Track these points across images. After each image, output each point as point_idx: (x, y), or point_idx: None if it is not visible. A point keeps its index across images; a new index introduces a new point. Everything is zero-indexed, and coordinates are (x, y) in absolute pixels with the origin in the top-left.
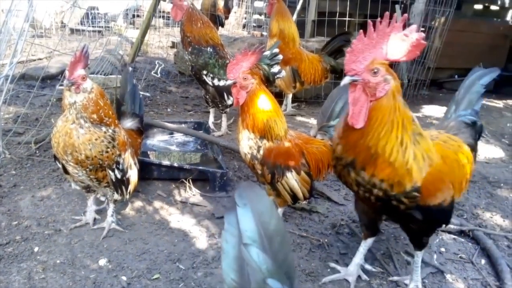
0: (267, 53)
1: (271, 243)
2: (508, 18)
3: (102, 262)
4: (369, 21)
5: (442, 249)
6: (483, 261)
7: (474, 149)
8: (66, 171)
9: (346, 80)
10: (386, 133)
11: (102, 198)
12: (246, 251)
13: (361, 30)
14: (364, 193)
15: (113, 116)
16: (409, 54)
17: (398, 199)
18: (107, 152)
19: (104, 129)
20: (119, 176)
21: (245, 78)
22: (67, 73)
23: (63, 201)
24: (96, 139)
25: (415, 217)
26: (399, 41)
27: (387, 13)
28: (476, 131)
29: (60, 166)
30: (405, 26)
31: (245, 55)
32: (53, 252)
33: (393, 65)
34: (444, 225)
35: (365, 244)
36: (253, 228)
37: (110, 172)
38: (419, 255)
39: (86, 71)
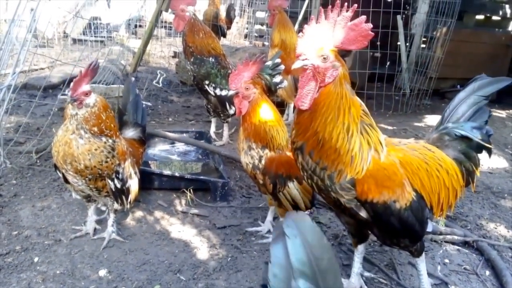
0: (269, 63)
1: (324, 280)
2: (510, 28)
3: (102, 272)
4: (320, 8)
5: (446, 260)
6: (487, 273)
7: (464, 165)
8: (66, 180)
9: (296, 64)
10: (333, 119)
11: (103, 208)
12: (299, 286)
13: (313, 17)
14: (307, 179)
15: (114, 128)
16: (357, 43)
17: (335, 191)
18: (106, 162)
19: (104, 139)
20: (118, 185)
21: (247, 88)
22: (71, 89)
23: (64, 211)
24: (95, 149)
25: (361, 216)
26: (348, 30)
27: (338, 2)
28: (470, 146)
29: (60, 175)
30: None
31: (246, 65)
32: (53, 263)
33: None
34: (410, 236)
35: (358, 252)
36: (306, 262)
37: (110, 181)
38: (418, 263)
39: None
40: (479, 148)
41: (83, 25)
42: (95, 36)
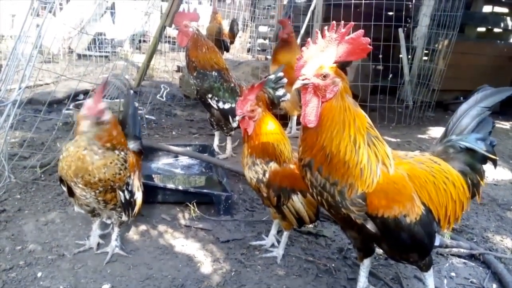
0: (272, 76)
1: None
2: (511, 40)
3: (106, 287)
4: (316, 30)
5: (453, 274)
6: (494, 286)
7: (470, 176)
8: (71, 194)
9: (297, 84)
10: (338, 132)
11: (108, 221)
12: None
13: (309, 39)
14: (317, 196)
15: (124, 143)
16: (356, 55)
17: (346, 207)
18: (119, 174)
19: (117, 152)
20: (127, 197)
21: (252, 110)
22: (87, 109)
23: (67, 226)
24: (110, 163)
25: (371, 231)
26: (346, 45)
27: (333, 23)
28: (475, 158)
29: (65, 189)
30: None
31: (251, 90)
32: (56, 278)
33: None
34: (419, 251)
35: (363, 266)
36: None
37: (121, 193)
38: (426, 277)
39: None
40: (484, 159)
41: (88, 40)
42: (99, 52)
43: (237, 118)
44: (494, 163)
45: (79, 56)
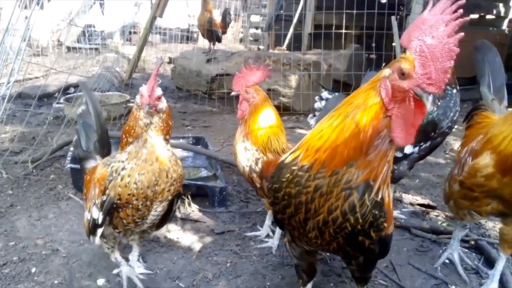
0: None
1: None
2: (504, 27)
3: (101, 282)
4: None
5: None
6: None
7: None
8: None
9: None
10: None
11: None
12: None
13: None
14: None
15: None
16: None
17: (367, 233)
18: (182, 172)
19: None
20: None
21: (247, 92)
22: (145, 95)
23: (61, 221)
24: (176, 160)
25: (375, 251)
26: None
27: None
28: None
29: (101, 219)
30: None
31: (250, 69)
32: (51, 273)
33: None
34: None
35: None
36: None
37: (176, 198)
38: None
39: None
40: None
41: (77, 33)
42: (89, 44)
43: (232, 93)
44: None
45: (68, 48)
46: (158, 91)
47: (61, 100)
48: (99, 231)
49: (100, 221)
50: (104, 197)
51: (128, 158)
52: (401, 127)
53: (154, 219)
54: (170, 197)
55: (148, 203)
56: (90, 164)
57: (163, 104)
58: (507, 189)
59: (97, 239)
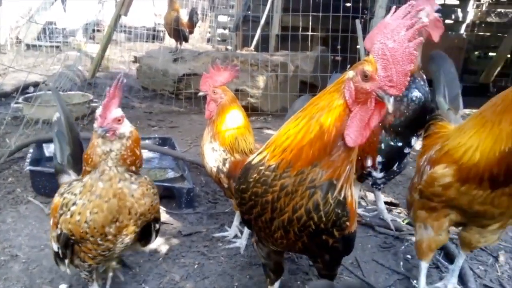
0: None
1: None
2: (462, 31)
3: (63, 287)
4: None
5: (408, 256)
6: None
7: None
8: (64, 256)
9: (201, 93)
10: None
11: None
12: None
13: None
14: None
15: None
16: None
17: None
18: (156, 201)
19: (142, 176)
20: (158, 227)
21: (214, 92)
22: (99, 117)
23: (20, 225)
24: (147, 190)
25: (339, 249)
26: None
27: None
28: None
29: (66, 254)
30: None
31: (218, 69)
32: (10, 279)
33: None
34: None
35: None
36: None
37: (157, 225)
38: None
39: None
40: None
41: (38, 30)
42: (50, 42)
43: (200, 94)
44: None
45: (28, 46)
46: (116, 112)
47: (20, 100)
48: (66, 261)
49: (61, 254)
50: (58, 231)
51: (81, 191)
52: (355, 127)
53: (124, 248)
54: (138, 229)
55: (110, 237)
56: (63, 179)
57: (125, 128)
58: (465, 199)
59: (68, 270)
